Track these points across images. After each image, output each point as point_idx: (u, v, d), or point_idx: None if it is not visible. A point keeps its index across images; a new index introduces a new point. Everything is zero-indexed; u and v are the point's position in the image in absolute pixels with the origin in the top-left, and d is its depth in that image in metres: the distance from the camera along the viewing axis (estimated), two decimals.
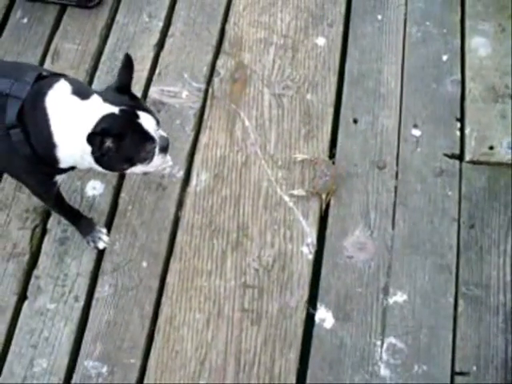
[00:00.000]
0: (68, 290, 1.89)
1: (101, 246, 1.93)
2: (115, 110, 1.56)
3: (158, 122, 1.62)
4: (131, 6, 2.33)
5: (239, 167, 2.04)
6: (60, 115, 1.57)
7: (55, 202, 1.86)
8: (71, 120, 1.56)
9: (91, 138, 1.50)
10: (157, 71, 2.21)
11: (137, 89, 2.15)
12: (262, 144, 2.07)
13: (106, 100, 1.57)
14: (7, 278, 1.91)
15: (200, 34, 2.27)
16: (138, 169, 1.66)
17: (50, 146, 1.59)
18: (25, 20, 2.32)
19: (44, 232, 1.97)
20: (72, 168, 1.69)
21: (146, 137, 1.59)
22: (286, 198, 1.99)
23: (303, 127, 2.09)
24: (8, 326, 1.86)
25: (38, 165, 1.65)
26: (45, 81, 1.62)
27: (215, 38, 2.26)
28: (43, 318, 1.86)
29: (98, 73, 2.21)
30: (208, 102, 2.15)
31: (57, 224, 1.97)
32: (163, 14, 2.31)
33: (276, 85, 2.16)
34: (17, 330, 1.85)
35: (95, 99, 1.58)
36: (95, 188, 2.02)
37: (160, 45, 2.26)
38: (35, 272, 1.92)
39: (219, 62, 2.22)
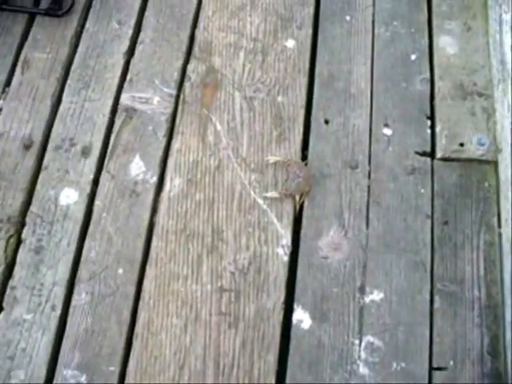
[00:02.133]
0: (45, 300, 1.88)
1: None
2: None
3: None
4: (100, 14, 2.33)
5: (212, 171, 2.04)
6: None
7: None
8: None
9: None
10: (128, 78, 2.20)
11: (108, 96, 2.16)
12: (234, 147, 2.07)
13: None
14: None
15: (170, 40, 2.27)
16: None
17: None
18: None
19: (19, 242, 1.95)
20: None
21: None
22: (260, 201, 1.99)
23: (275, 129, 2.09)
24: None
25: None
26: None
27: (185, 43, 2.27)
28: (20, 329, 1.85)
29: (68, 81, 2.19)
30: (179, 108, 2.15)
31: (31, 234, 1.96)
32: (133, 20, 2.31)
33: (247, 88, 2.16)
34: None
35: None
36: (69, 196, 2.01)
37: (130, 52, 2.26)
38: (11, 283, 1.90)
39: (190, 67, 2.22)
